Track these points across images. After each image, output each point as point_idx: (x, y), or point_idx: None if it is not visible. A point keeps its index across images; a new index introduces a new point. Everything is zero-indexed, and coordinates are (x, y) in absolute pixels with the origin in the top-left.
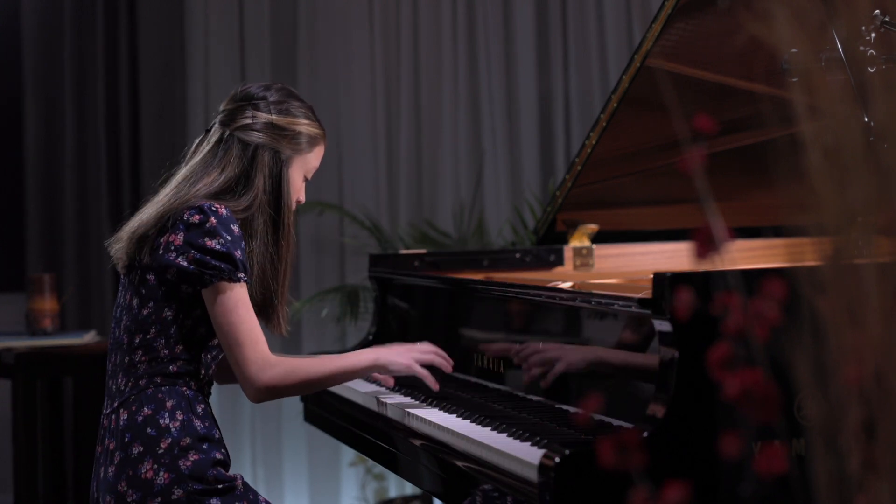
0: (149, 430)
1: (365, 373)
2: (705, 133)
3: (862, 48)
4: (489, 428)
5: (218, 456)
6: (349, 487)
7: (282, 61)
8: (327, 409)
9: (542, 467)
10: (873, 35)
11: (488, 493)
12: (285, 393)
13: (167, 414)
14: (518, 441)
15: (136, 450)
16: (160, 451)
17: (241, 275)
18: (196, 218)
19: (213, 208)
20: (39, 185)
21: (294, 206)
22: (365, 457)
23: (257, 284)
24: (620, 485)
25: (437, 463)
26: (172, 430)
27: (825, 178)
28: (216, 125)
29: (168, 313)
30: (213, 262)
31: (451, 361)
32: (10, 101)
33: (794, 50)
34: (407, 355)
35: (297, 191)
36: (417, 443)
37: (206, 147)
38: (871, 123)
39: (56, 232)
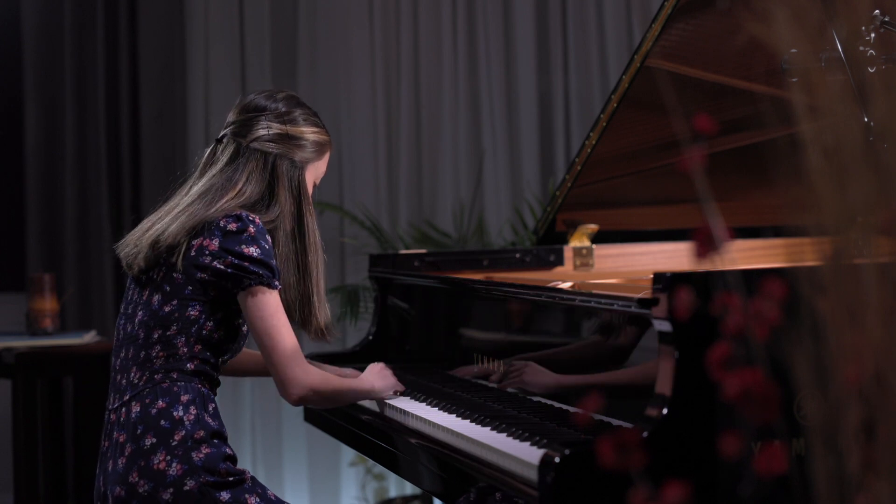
0: (162, 422)
1: (365, 397)
2: (705, 133)
3: (862, 48)
4: (489, 428)
5: (228, 451)
6: (349, 487)
7: (282, 61)
8: (327, 409)
9: (541, 467)
10: (873, 35)
11: (485, 490)
12: (321, 399)
13: (181, 407)
14: (518, 441)
15: (149, 441)
16: (174, 443)
17: (277, 283)
18: (234, 226)
19: (251, 218)
20: (39, 186)
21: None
22: (365, 457)
23: (288, 294)
24: (620, 485)
25: (437, 463)
26: (186, 422)
27: (825, 178)
28: (228, 137)
29: (191, 313)
30: (252, 268)
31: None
32: (10, 101)
33: (793, 50)
34: (389, 379)
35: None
36: (417, 443)
37: (222, 159)
38: (871, 123)
39: (56, 232)
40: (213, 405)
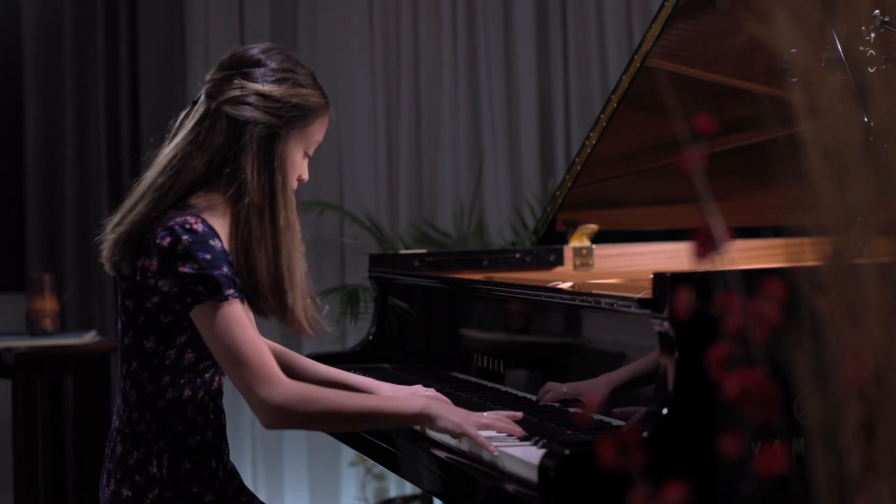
0: (137, 476)
1: (407, 422)
2: (705, 133)
3: (862, 48)
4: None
5: (209, 498)
6: (349, 487)
7: None
8: None
9: (542, 467)
10: (873, 35)
11: (489, 491)
12: (302, 422)
13: (155, 461)
14: (518, 441)
15: (126, 493)
16: (147, 502)
17: (229, 292)
18: (166, 241)
19: (187, 226)
20: (39, 185)
21: (295, 185)
22: (365, 457)
23: (258, 280)
24: (620, 485)
25: (437, 463)
26: (160, 478)
27: (825, 178)
28: (202, 97)
29: (148, 345)
30: (190, 287)
31: (519, 431)
32: (10, 101)
33: (793, 50)
34: (465, 419)
35: (297, 168)
36: (417, 443)
37: (189, 124)
38: (871, 123)
39: (56, 232)
40: (198, 437)
